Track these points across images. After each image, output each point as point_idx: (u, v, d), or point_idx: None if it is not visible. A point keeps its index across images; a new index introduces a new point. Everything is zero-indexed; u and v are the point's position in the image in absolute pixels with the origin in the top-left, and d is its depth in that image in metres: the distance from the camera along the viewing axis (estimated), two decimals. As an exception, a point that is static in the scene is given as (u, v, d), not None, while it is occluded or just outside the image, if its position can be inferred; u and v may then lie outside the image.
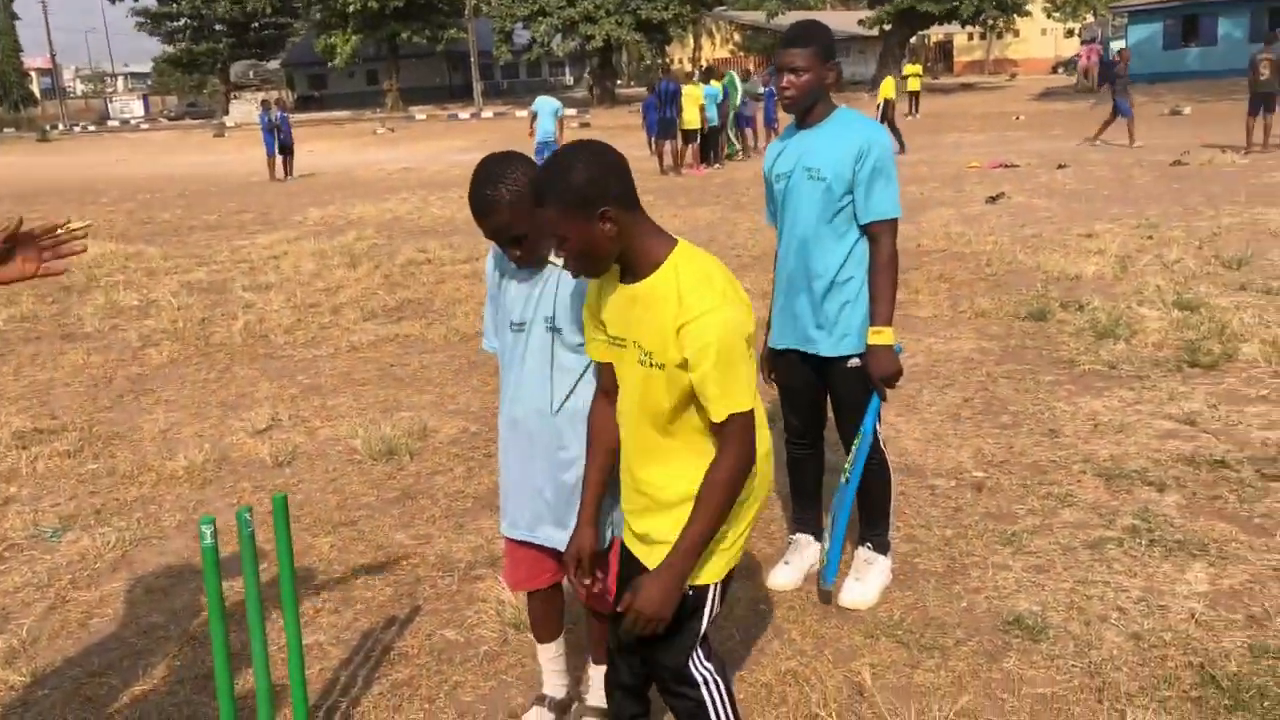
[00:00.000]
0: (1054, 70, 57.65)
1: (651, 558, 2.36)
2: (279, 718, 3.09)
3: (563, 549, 2.65)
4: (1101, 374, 6.15)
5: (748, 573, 4.03)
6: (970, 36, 68.65)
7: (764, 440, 2.39)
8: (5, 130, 60.41)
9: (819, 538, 4.03)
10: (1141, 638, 3.42)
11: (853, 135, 3.48)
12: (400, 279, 10.07)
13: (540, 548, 2.82)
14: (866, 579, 3.80)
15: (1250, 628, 3.45)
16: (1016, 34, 63.85)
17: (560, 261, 2.53)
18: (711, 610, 2.41)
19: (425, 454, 5.44)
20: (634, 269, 2.28)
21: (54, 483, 5.25)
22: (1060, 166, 16.29)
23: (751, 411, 2.25)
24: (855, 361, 3.58)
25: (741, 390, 2.22)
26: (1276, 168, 14.67)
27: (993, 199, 13.26)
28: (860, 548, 3.89)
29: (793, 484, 4.04)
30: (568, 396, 2.65)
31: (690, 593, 2.34)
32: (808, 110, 3.56)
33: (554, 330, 2.62)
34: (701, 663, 2.44)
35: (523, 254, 2.56)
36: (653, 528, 2.39)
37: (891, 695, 3.19)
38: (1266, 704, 3.02)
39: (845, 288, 3.56)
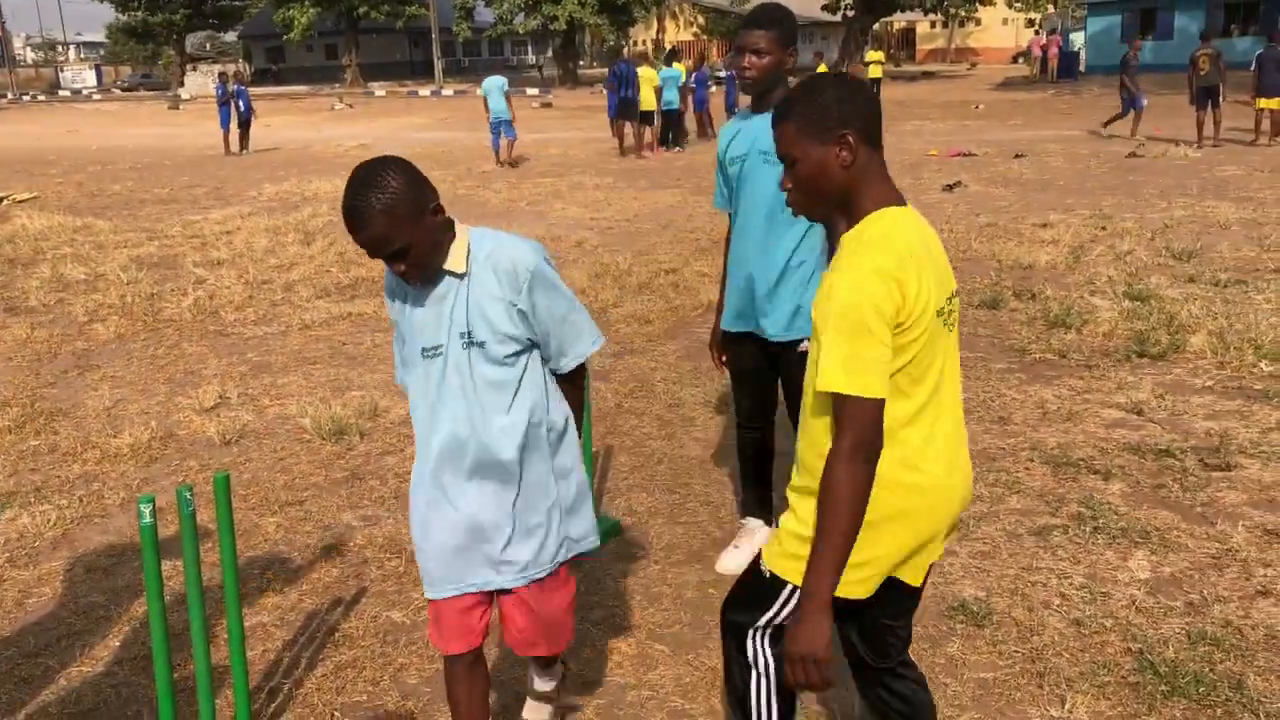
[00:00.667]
0: (1014, 60, 58.05)
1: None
2: (220, 699, 3.05)
3: (495, 588, 2.46)
4: (1052, 363, 6.21)
5: (697, 556, 4.04)
6: (933, 24, 68.99)
7: (904, 458, 2.06)
8: (-48, 98, 58.97)
9: (769, 522, 4.04)
10: (1083, 624, 3.46)
11: None
12: (355, 257, 9.95)
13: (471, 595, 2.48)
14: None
15: (1189, 614, 3.50)
16: (978, 23, 64.28)
17: (461, 269, 2.31)
18: (783, 613, 2.20)
19: (375, 434, 5.39)
20: (850, 215, 2.11)
21: (-6, 459, 5.15)
22: (1018, 156, 16.42)
23: (875, 403, 1.94)
24: (805, 345, 3.58)
25: (860, 369, 1.93)
26: (1227, 161, 14.87)
27: (950, 187, 13.34)
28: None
29: (742, 467, 4.05)
30: (507, 413, 2.39)
31: (768, 575, 2.17)
32: (764, 93, 3.55)
33: (472, 345, 2.34)
34: (763, 645, 2.27)
35: (408, 269, 2.26)
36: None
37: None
38: (1202, 689, 3.07)
39: (798, 272, 3.56)
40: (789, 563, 2.12)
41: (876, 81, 32.02)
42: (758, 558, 2.23)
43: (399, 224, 2.19)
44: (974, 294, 7.75)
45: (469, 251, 2.33)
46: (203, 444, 5.31)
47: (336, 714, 3.12)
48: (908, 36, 73.08)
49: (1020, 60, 54.81)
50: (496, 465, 2.38)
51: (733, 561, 3.93)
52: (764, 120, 3.55)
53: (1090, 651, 3.31)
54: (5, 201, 14.56)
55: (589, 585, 3.82)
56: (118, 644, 3.50)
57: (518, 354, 2.39)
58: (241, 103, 21.34)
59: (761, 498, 4.05)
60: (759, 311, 3.63)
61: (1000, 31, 66.60)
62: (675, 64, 20.11)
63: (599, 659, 3.36)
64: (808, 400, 2.12)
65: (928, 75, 50.12)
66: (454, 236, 2.34)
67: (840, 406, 1.95)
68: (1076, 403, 5.52)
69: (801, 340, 3.59)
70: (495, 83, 17.99)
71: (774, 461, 4.04)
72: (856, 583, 2.08)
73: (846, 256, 2.03)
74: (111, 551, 4.18)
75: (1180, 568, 3.82)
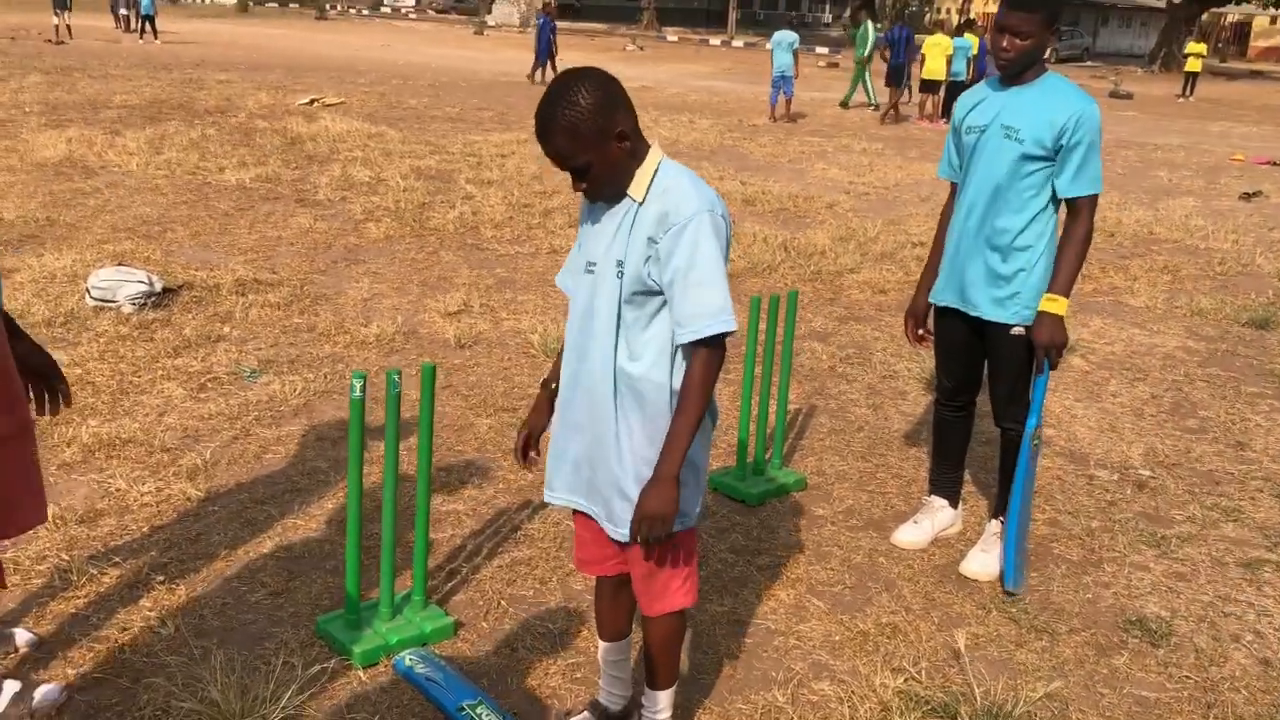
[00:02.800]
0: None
1: None
2: (406, 572, 3.34)
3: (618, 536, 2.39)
4: (1313, 394, 5.73)
5: (875, 524, 4.04)
6: (1273, 19, 63.01)
7: None
8: (291, 4, 64.17)
9: (954, 504, 3.98)
10: (1272, 665, 3.26)
11: (1060, 103, 3.35)
12: (613, 192, 10.27)
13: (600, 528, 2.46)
14: (993, 551, 3.74)
15: (1397, 678, 3.22)
16: (1326, 22, 58.22)
17: (640, 196, 2.24)
18: None
19: (595, 359, 5.62)
20: None
21: (261, 330, 5.72)
22: (1337, 172, 14.92)
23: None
24: (1019, 330, 3.49)
25: None
26: None
27: (1248, 196, 12.32)
28: (993, 520, 3.83)
29: (937, 446, 3.99)
30: (628, 355, 2.30)
31: None
32: (1020, 72, 3.44)
33: (622, 274, 2.26)
34: None
35: (589, 187, 2.25)
36: None
37: (985, 666, 3.16)
38: (1389, 757, 2.84)
39: (1022, 255, 3.46)
40: None
41: (1193, 76, 29.76)
42: None
43: (580, 142, 2.16)
44: (1243, 310, 7.20)
45: (652, 180, 2.26)
46: (440, 343, 5.71)
47: (504, 602, 3.35)
48: (1241, 30, 67.10)
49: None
50: (596, 400, 2.35)
51: (909, 535, 3.90)
52: (1013, 94, 3.44)
53: (1274, 695, 3.12)
54: (316, 103, 15.83)
55: (762, 532, 3.91)
56: (331, 505, 3.88)
57: (648, 295, 2.26)
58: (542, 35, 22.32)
59: (951, 479, 3.99)
60: (973, 288, 3.54)
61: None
62: (968, 34, 19.36)
63: (755, 601, 3.45)
64: None
65: (1256, 74, 45.99)
66: (642, 162, 2.26)
67: None
68: (1330, 440, 5.09)
69: (1015, 325, 3.49)
70: (785, 37, 17.96)
71: (969, 444, 3.97)
72: None
73: None
74: (342, 424, 4.59)
75: (1402, 629, 3.50)
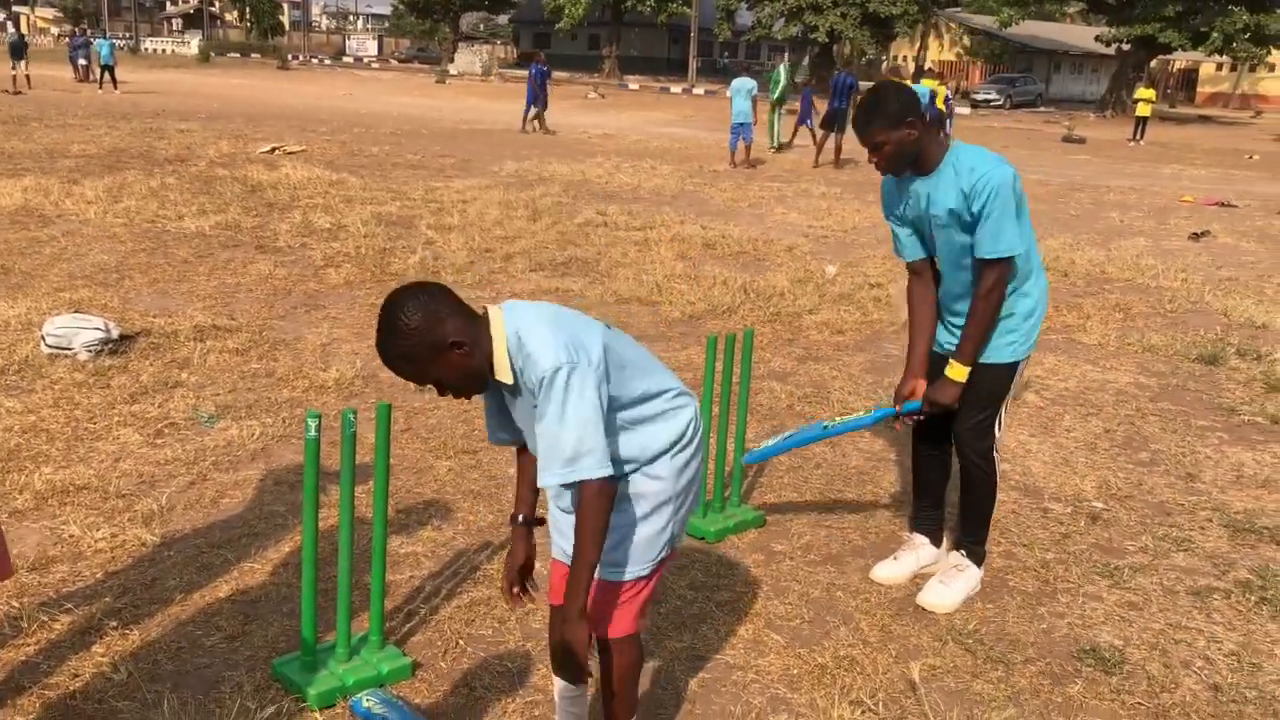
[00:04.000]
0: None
1: None
2: (364, 613, 3.32)
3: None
4: (1261, 427, 5.84)
5: (833, 559, 4.07)
6: (1219, 66, 64.66)
7: None
8: (252, 55, 64.35)
9: (936, 541, 4.03)
10: (1222, 690, 3.31)
11: (966, 176, 3.43)
12: (574, 237, 10.35)
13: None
14: (952, 584, 3.79)
15: (1344, 702, 3.28)
16: (1271, 69, 59.76)
17: (509, 379, 2.30)
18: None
19: (555, 401, 5.64)
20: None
21: (219, 375, 5.70)
22: (1282, 212, 15.28)
23: None
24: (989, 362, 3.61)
25: None
26: None
27: (1197, 235, 12.58)
28: (954, 552, 3.89)
29: (915, 483, 4.07)
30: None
31: None
32: (915, 162, 3.52)
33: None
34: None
35: (454, 395, 2.35)
36: None
37: (942, 697, 3.19)
38: (1336, 778, 2.89)
39: (1009, 301, 3.58)
40: None
41: (1143, 120, 30.45)
42: None
43: (420, 365, 2.25)
44: (1193, 346, 7.34)
45: (510, 358, 2.28)
46: (399, 387, 5.70)
47: (462, 642, 3.35)
48: (1189, 77, 68.78)
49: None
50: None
51: (888, 571, 3.93)
52: (927, 182, 3.52)
53: (1223, 719, 3.16)
54: (277, 151, 15.86)
55: (721, 568, 3.92)
56: (288, 549, 3.86)
57: None
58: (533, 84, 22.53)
59: (931, 516, 4.04)
60: (947, 334, 3.72)
61: (1298, 81, 61.70)
62: (924, 81, 19.72)
63: (714, 637, 3.46)
64: None
65: (1204, 119, 47.10)
66: (490, 347, 2.29)
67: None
68: (1278, 471, 5.19)
69: (990, 361, 3.62)
70: (744, 84, 18.25)
71: (947, 483, 4.02)
72: None
73: None
74: (300, 469, 4.55)
75: (1349, 654, 3.57)
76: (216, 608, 3.45)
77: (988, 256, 3.43)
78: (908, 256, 3.72)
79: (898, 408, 3.77)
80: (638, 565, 2.46)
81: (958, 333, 3.63)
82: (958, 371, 3.55)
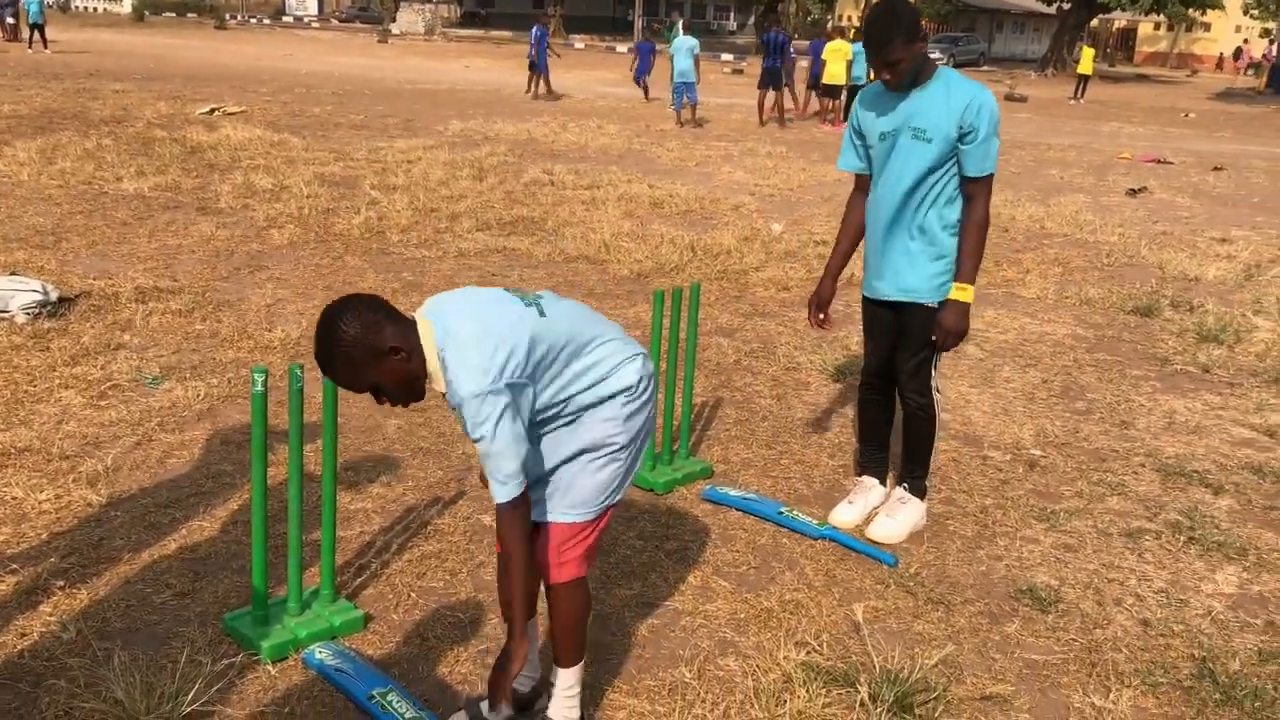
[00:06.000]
0: (1244, 71, 54.54)
1: None
2: (314, 567, 3.34)
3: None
4: (1192, 376, 6.01)
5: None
6: (1157, 26, 65.50)
7: None
8: (189, 15, 62.85)
9: (884, 482, 4.15)
10: (1151, 625, 3.43)
11: (959, 95, 3.51)
12: (521, 196, 10.31)
13: None
14: (897, 516, 3.92)
15: (1266, 633, 3.42)
16: (1206, 28, 60.64)
17: (441, 388, 2.35)
18: None
19: (503, 358, 5.65)
20: None
21: (162, 337, 5.64)
22: (1216, 169, 15.59)
23: None
24: (933, 306, 3.69)
25: None
26: None
27: (1134, 191, 12.82)
28: (897, 486, 4.01)
29: (861, 429, 4.17)
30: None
31: None
32: (910, 84, 3.58)
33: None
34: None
35: (391, 403, 2.41)
36: None
37: (884, 637, 3.28)
38: (1257, 704, 3.02)
39: (941, 242, 3.64)
40: None
41: (1084, 79, 30.80)
42: None
43: (358, 369, 2.30)
44: (1129, 299, 7.51)
45: (441, 366, 2.33)
46: (346, 347, 5.68)
47: (413, 595, 3.38)
48: (1127, 37, 69.59)
49: (1250, 72, 51.56)
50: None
51: (845, 514, 4.01)
52: (915, 96, 3.56)
53: (1151, 652, 3.28)
54: (216, 112, 15.57)
55: (670, 519, 3.98)
56: (236, 507, 3.86)
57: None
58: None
59: (878, 458, 4.15)
60: (896, 275, 3.72)
61: (1232, 40, 62.66)
62: (868, 40, 19.76)
63: (663, 584, 3.52)
64: None
65: (1142, 78, 47.72)
66: (424, 357, 2.34)
67: None
68: (1208, 417, 5.35)
69: (928, 302, 3.68)
70: (684, 43, 18.21)
71: (892, 425, 4.11)
72: None
73: None
74: (247, 429, 4.53)
75: (1271, 588, 3.72)
76: (165, 566, 3.45)
77: (980, 174, 3.55)
78: (860, 169, 3.80)
79: (813, 319, 3.93)
80: (586, 508, 2.53)
81: (893, 276, 3.70)
82: (965, 292, 3.61)
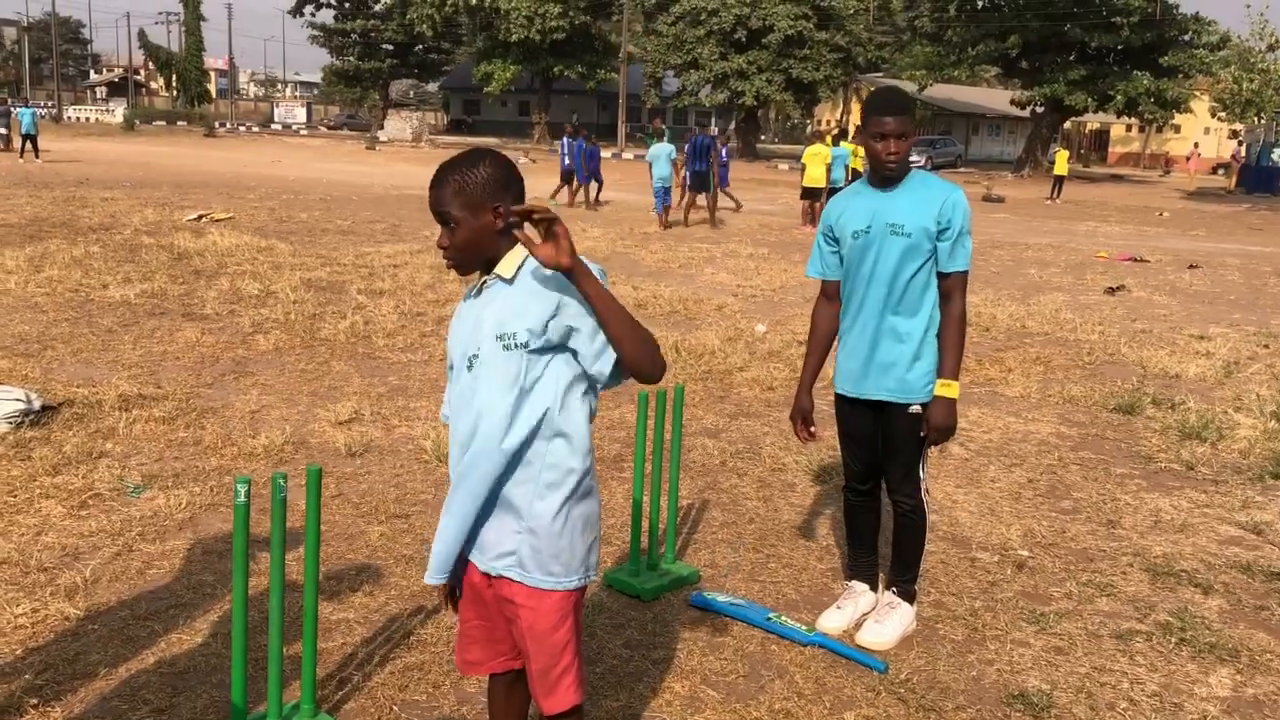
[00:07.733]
0: (1214, 171, 55.90)
1: None
2: (297, 680, 3.28)
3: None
4: (1177, 473, 6.02)
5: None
6: (1129, 128, 67.17)
7: None
8: (179, 123, 63.87)
9: (874, 587, 4.11)
10: (1146, 731, 3.38)
11: (935, 193, 3.62)
12: (506, 299, 10.36)
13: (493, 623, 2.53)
14: (886, 621, 3.87)
15: (1262, 738, 3.38)
16: (1177, 130, 62.18)
17: (510, 273, 2.39)
18: None
19: (488, 463, 5.63)
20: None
21: (145, 444, 5.61)
22: (1192, 267, 15.85)
23: None
24: (916, 409, 3.70)
25: None
26: None
27: (1112, 290, 13.00)
28: (886, 591, 3.97)
29: (850, 532, 4.14)
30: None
31: None
32: (904, 171, 3.67)
33: (513, 345, 2.36)
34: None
35: (452, 251, 2.38)
36: None
37: (876, 746, 3.22)
38: (1257, 812, 2.96)
39: (918, 342, 3.68)
40: None
41: (1060, 179, 31.46)
42: None
43: (459, 199, 2.34)
44: (1111, 397, 7.56)
45: (523, 264, 2.40)
46: (330, 452, 5.67)
47: (395, 708, 3.31)
48: (1101, 138, 71.33)
49: (1221, 171, 52.82)
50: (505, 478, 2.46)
51: (833, 621, 3.98)
52: (889, 195, 3.65)
53: (1148, 759, 3.23)
54: (204, 219, 15.72)
55: (656, 626, 3.93)
56: (216, 619, 3.80)
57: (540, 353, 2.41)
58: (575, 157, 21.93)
59: (867, 562, 4.13)
60: (875, 376, 3.74)
61: (1204, 141, 64.28)
62: (844, 143, 20.23)
63: (650, 695, 3.46)
64: None
65: (1116, 178, 48.76)
66: (514, 247, 2.39)
67: None
68: (1194, 515, 5.35)
69: (911, 404, 3.70)
70: (663, 150, 18.59)
71: (880, 528, 4.10)
72: None
73: None
74: (229, 537, 4.50)
75: (1266, 690, 3.68)
76: (143, 681, 3.38)
77: (957, 270, 3.63)
78: (831, 275, 3.85)
79: (801, 433, 3.93)
80: (569, 569, 2.39)
81: (878, 376, 3.72)
82: (951, 388, 3.65)
